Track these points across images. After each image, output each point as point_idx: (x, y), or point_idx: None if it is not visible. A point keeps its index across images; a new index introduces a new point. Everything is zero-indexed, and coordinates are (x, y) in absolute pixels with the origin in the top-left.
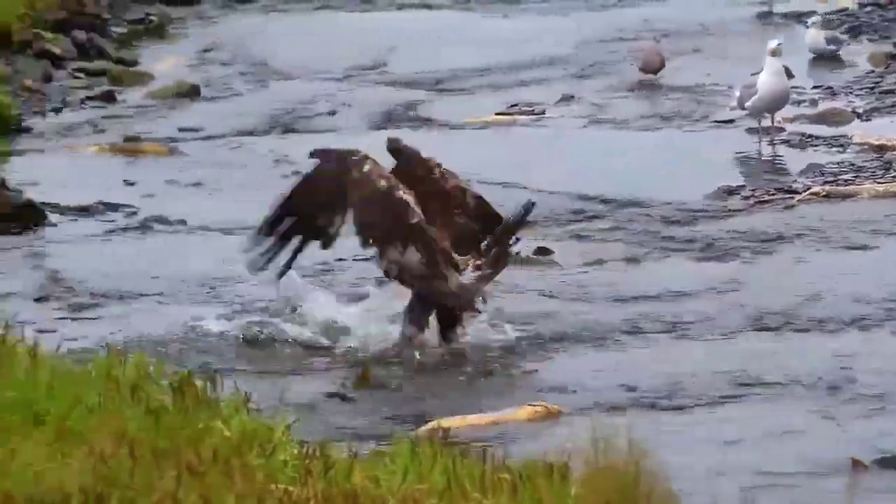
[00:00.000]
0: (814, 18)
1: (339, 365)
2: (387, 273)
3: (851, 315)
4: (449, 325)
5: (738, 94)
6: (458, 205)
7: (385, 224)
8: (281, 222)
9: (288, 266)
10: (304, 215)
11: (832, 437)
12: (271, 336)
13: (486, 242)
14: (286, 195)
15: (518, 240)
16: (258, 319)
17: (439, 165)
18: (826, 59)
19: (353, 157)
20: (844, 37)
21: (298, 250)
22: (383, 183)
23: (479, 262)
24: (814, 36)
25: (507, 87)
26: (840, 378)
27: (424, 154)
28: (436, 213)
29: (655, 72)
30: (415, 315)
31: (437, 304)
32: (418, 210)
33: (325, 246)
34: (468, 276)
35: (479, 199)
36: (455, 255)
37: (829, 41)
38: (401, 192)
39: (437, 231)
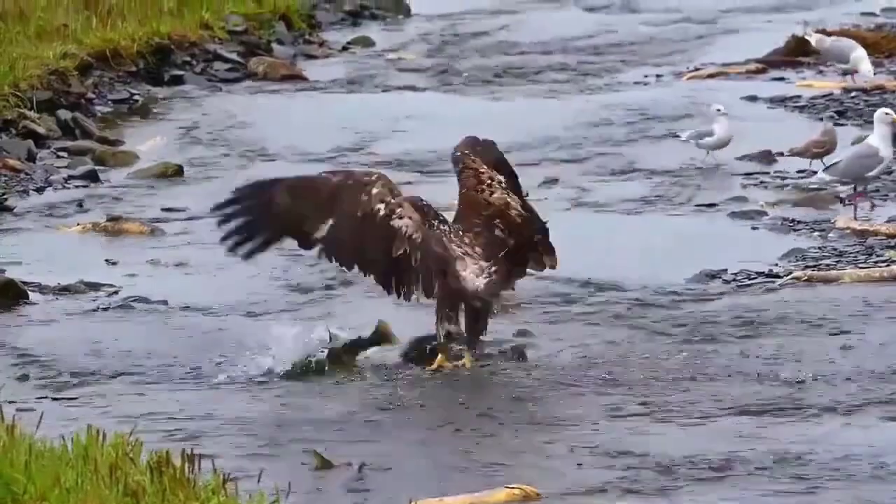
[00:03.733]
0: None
1: (317, 440)
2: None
3: (833, 400)
4: (472, 325)
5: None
6: (498, 216)
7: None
8: (246, 206)
9: (257, 252)
10: (289, 213)
11: None
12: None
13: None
14: (272, 186)
15: None
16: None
17: (492, 178)
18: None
19: (366, 178)
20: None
21: (271, 241)
22: (381, 207)
23: (492, 270)
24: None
25: None
26: (822, 463)
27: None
28: (475, 219)
29: (821, 156)
30: (444, 312)
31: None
32: (415, 235)
33: (304, 247)
34: (480, 282)
35: (527, 215)
36: (472, 261)
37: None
38: (396, 220)
39: (465, 237)
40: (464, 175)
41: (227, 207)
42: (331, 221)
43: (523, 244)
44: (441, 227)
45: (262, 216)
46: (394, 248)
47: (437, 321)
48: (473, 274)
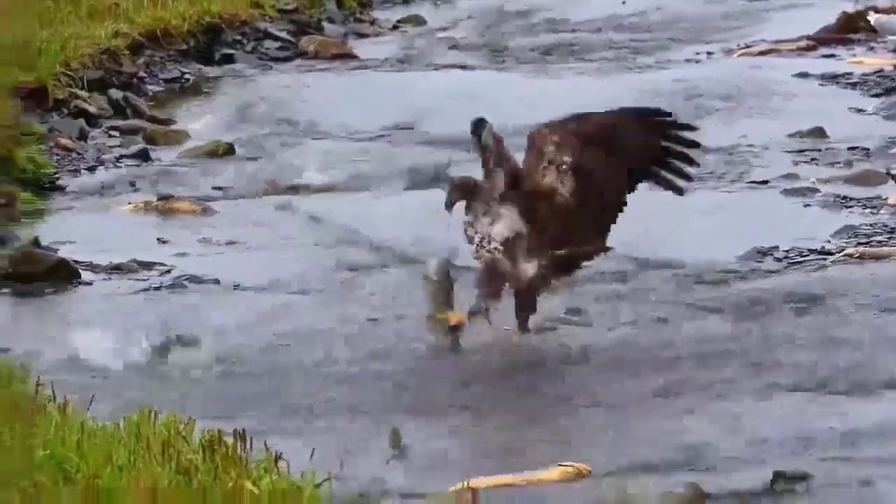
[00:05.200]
0: None
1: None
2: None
3: (886, 377)
4: (523, 310)
5: None
6: (546, 199)
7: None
8: None
9: None
10: None
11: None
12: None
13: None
14: None
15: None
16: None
17: (553, 160)
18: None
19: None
20: None
21: None
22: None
23: (544, 264)
24: None
25: None
26: (875, 439)
27: None
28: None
29: None
30: (488, 287)
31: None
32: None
33: None
34: (530, 272)
35: (575, 201)
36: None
37: None
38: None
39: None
40: (529, 154)
41: None
42: None
43: (568, 232)
44: None
45: None
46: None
47: (479, 296)
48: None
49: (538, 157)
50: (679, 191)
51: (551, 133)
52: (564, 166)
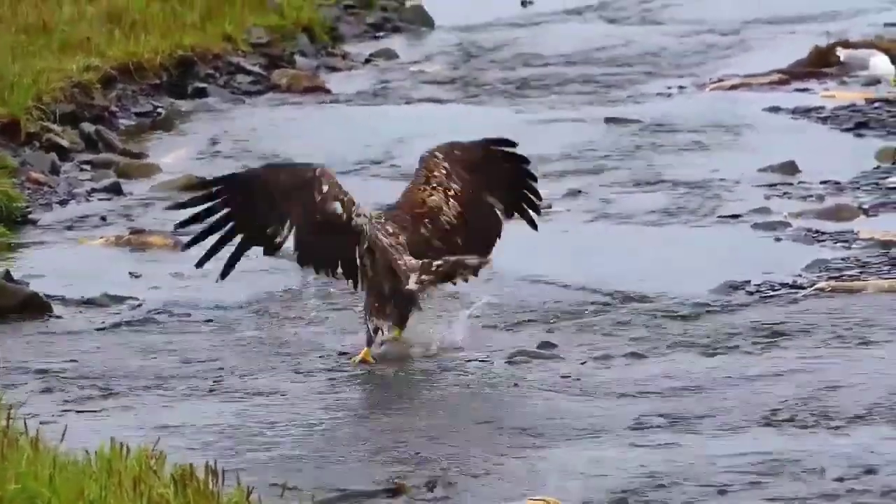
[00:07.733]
0: None
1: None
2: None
3: (857, 411)
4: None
5: None
6: (429, 217)
7: (330, 249)
8: (215, 212)
9: (231, 266)
10: (245, 215)
11: None
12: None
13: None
14: (225, 187)
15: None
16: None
17: (441, 183)
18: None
19: (313, 173)
20: None
21: (242, 251)
22: (338, 207)
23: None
24: None
25: None
26: (844, 474)
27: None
28: (406, 214)
29: None
30: (374, 306)
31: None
32: (374, 233)
33: (268, 253)
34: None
35: (457, 224)
36: (405, 266)
37: None
38: (355, 217)
39: (388, 226)
40: (418, 173)
41: (192, 221)
42: (289, 223)
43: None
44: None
45: (225, 224)
46: (358, 245)
47: (367, 315)
48: (409, 268)
49: (427, 176)
50: (534, 225)
51: (450, 157)
52: (454, 188)
